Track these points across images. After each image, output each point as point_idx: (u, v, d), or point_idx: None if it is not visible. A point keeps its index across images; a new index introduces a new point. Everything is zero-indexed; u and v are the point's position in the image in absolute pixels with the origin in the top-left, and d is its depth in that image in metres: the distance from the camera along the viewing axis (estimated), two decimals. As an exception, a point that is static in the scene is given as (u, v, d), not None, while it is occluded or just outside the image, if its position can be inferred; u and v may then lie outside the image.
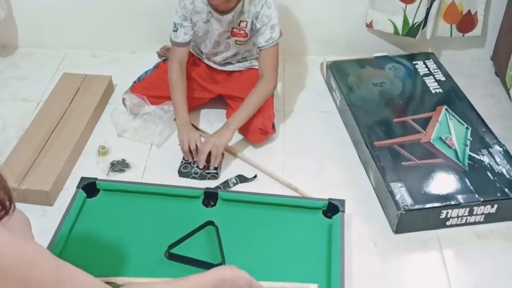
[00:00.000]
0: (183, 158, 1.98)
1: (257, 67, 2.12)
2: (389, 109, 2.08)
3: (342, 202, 1.73)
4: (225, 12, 1.94)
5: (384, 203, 1.81)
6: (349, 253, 1.65)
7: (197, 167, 1.94)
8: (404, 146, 1.91)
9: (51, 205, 1.85)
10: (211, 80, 2.19)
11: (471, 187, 1.74)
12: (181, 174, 1.95)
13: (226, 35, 2.03)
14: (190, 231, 1.64)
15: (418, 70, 2.27)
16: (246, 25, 1.98)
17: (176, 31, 2.04)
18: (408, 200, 1.71)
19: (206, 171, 1.94)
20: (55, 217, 1.73)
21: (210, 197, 1.77)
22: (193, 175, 1.94)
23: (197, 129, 2.14)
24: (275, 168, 1.99)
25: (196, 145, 1.93)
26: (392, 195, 1.73)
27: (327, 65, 2.34)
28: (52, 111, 2.15)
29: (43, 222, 1.78)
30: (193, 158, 1.94)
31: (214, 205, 1.76)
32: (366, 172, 1.96)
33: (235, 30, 2.01)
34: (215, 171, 1.94)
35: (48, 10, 2.53)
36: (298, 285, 1.49)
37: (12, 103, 2.33)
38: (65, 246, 1.61)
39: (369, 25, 2.38)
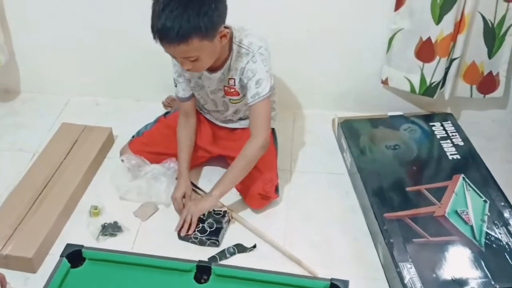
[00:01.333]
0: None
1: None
2: (402, 176, 1.94)
3: (346, 283, 1.56)
4: (213, 70, 1.83)
5: (392, 284, 1.66)
6: None
7: (198, 231, 1.83)
8: (417, 219, 1.75)
9: (34, 272, 1.74)
10: (212, 140, 2.07)
11: (487, 271, 1.58)
12: (180, 237, 1.83)
13: (220, 93, 1.92)
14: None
15: (435, 132, 2.12)
16: (235, 83, 1.87)
17: (176, 86, 1.95)
18: (418, 285, 1.55)
19: (206, 237, 1.82)
20: (37, 286, 1.61)
21: (203, 271, 1.63)
22: (193, 239, 1.83)
23: (196, 187, 2.02)
24: (277, 235, 1.85)
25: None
26: (401, 277, 1.57)
27: (338, 123, 2.21)
28: (46, 165, 2.05)
29: (25, 290, 1.68)
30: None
31: (207, 280, 1.62)
32: (375, 245, 1.80)
33: (226, 88, 1.89)
34: (216, 238, 1.82)
35: (51, 56, 2.46)
36: None
37: (9, 153, 2.24)
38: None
39: (385, 82, 2.25)
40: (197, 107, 2.08)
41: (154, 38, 1.62)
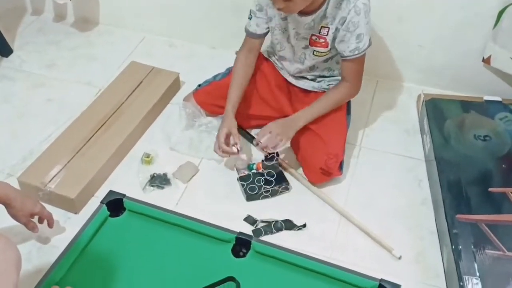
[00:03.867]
0: (241, 180, 1.75)
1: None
2: (487, 173, 1.68)
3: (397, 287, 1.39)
4: (304, 13, 1.63)
5: (452, 296, 1.45)
6: None
7: (265, 183, 1.73)
8: (495, 228, 1.51)
9: (76, 213, 1.69)
10: (284, 96, 1.89)
11: None
12: (250, 198, 1.72)
13: (303, 42, 1.72)
14: (207, 285, 1.39)
15: (536, 128, 1.82)
16: (328, 32, 1.67)
17: (250, 19, 1.79)
18: (482, 306, 1.34)
19: (276, 186, 1.73)
20: (77, 227, 1.57)
21: (242, 244, 1.51)
22: (264, 194, 1.73)
23: (246, 132, 1.92)
24: (330, 216, 1.69)
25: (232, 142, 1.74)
26: (464, 293, 1.37)
27: (423, 100, 1.96)
28: (107, 104, 1.98)
29: (64, 230, 1.64)
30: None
31: (246, 253, 1.50)
32: (440, 248, 1.59)
33: (314, 37, 1.69)
34: (286, 183, 1.74)
35: (132, -10, 2.36)
36: None
37: (76, 85, 2.20)
38: (73, 264, 1.46)
39: (486, 61, 1.95)
40: (269, 53, 1.91)
41: None
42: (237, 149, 1.70)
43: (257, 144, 1.72)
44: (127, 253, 1.50)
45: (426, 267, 1.55)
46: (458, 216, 1.54)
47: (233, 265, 1.47)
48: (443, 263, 1.55)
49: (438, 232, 1.62)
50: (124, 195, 1.62)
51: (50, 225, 1.57)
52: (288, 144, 1.80)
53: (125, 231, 1.56)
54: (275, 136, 1.68)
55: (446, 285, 1.49)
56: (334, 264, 1.46)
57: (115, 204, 1.60)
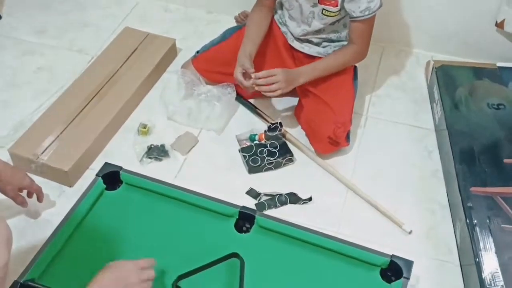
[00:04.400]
0: (242, 152, 1.66)
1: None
2: (501, 143, 1.60)
3: (409, 264, 1.32)
4: None
5: (466, 273, 1.39)
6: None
7: (268, 154, 1.65)
8: (511, 201, 1.44)
9: (70, 186, 1.61)
10: (287, 62, 1.79)
11: None
12: (252, 170, 1.64)
13: (312, 1, 1.62)
14: (209, 262, 1.32)
15: (554, 95, 1.73)
16: None
17: None
18: (499, 283, 1.27)
19: (279, 158, 1.64)
20: (71, 201, 1.48)
21: (245, 219, 1.43)
22: (267, 166, 1.65)
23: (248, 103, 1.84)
24: (337, 188, 1.62)
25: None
26: (479, 269, 1.30)
27: (433, 67, 1.87)
28: (100, 72, 1.88)
29: (57, 204, 1.56)
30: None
31: (249, 228, 1.42)
32: (453, 222, 1.52)
33: None
34: (290, 154, 1.67)
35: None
36: None
37: (68, 52, 2.09)
38: (69, 239, 1.38)
39: (499, 25, 1.85)
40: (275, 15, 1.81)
41: None
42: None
43: (254, 78, 1.60)
44: (125, 228, 1.42)
45: (438, 242, 1.48)
46: (472, 188, 1.47)
47: (236, 240, 1.39)
48: (456, 238, 1.48)
49: (450, 206, 1.55)
50: (120, 168, 1.53)
51: (39, 199, 1.49)
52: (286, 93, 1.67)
53: (122, 205, 1.48)
54: (274, 80, 1.58)
55: (460, 261, 1.43)
56: (342, 239, 1.39)
57: (112, 177, 1.51)
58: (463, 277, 1.39)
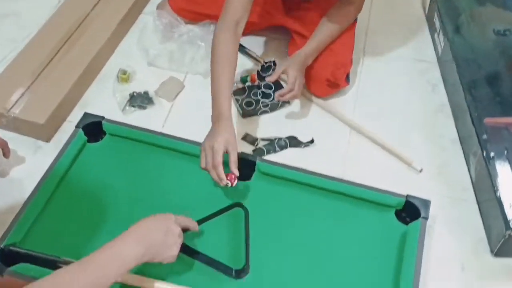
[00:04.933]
0: (235, 95, 1.53)
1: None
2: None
3: (426, 203, 1.23)
4: None
5: (485, 210, 1.30)
6: (425, 276, 1.18)
7: (262, 96, 1.52)
8: (528, 131, 1.35)
9: (47, 141, 1.46)
10: (277, 4, 1.64)
11: None
12: (246, 114, 1.51)
13: None
14: (210, 214, 1.20)
15: None
16: None
17: None
18: (522, 210, 1.19)
19: (276, 100, 1.50)
20: (49, 158, 1.34)
21: (245, 166, 1.31)
22: (263, 109, 1.52)
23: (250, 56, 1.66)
24: (338, 132, 1.50)
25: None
26: (500, 204, 1.21)
27: (432, -4, 1.74)
28: (70, 16, 1.69)
29: (34, 161, 1.41)
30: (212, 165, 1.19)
31: (250, 176, 1.30)
32: (465, 157, 1.42)
33: None
34: None
35: None
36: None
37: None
38: (52, 197, 1.24)
39: None
40: None
41: None
42: (231, 182, 1.19)
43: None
44: (113, 182, 1.29)
45: (450, 179, 1.39)
46: (487, 120, 1.37)
47: (237, 189, 1.27)
48: (470, 174, 1.39)
49: (461, 141, 1.46)
50: (102, 117, 1.38)
51: (5, 155, 1.34)
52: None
53: (107, 158, 1.34)
54: (296, 84, 1.42)
55: (476, 197, 1.34)
56: (350, 181, 1.28)
57: (93, 128, 1.37)
58: (481, 214, 1.31)
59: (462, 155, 1.43)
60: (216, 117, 1.23)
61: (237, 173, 1.18)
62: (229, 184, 1.18)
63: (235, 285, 1.11)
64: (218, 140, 1.17)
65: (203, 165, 1.19)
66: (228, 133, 1.19)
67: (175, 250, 1.02)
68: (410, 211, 1.22)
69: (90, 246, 1.10)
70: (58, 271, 0.88)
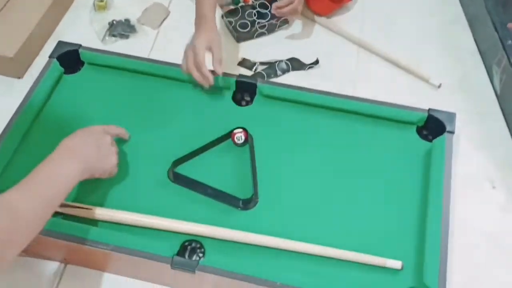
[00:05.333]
0: (227, 17, 1.38)
1: None
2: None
3: (451, 116, 1.09)
4: None
5: (512, 122, 1.18)
6: (454, 197, 1.05)
7: (258, 17, 1.36)
8: (557, 33, 1.21)
9: (19, 78, 1.30)
10: None
11: None
12: (241, 38, 1.36)
13: None
14: (209, 142, 1.06)
15: None
16: None
17: None
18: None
19: (274, 18, 1.35)
20: (23, 95, 1.17)
21: (245, 89, 1.16)
22: (259, 31, 1.36)
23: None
24: (344, 52, 1.35)
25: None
26: (533, 113, 1.08)
27: None
28: None
29: (5, 100, 1.23)
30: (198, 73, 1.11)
31: (250, 102, 1.16)
32: (487, 70, 1.29)
33: None
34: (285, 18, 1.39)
35: None
36: (376, 260, 0.93)
37: None
38: (26, 135, 1.08)
39: None
40: None
41: None
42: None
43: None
44: (96, 115, 1.11)
45: (472, 94, 1.26)
46: (510, 24, 1.23)
47: (237, 115, 1.13)
48: (493, 86, 1.25)
49: (481, 53, 1.32)
50: (79, 45, 1.22)
51: None
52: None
53: (87, 90, 1.18)
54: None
55: (502, 110, 1.21)
56: (364, 98, 1.14)
57: (69, 58, 1.20)
58: (508, 127, 1.18)
59: (483, 68, 1.29)
60: (199, 20, 1.16)
61: (220, 72, 1.09)
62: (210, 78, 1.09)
63: (244, 216, 0.98)
64: (200, 39, 1.10)
65: (184, 68, 1.10)
66: (210, 31, 1.12)
67: (113, 159, 0.97)
68: (433, 127, 1.09)
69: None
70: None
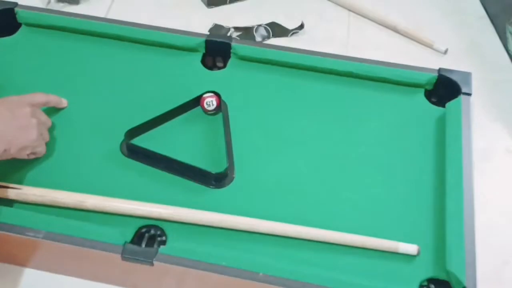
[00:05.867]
0: None
1: None
2: None
3: (466, 76, 0.91)
4: None
5: (534, 87, 1.00)
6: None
7: None
8: None
9: None
10: None
11: None
12: (212, 1, 1.16)
13: None
14: (173, 108, 0.86)
15: None
16: None
17: None
18: None
19: None
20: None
21: (216, 52, 0.96)
22: None
23: None
24: (335, 11, 1.17)
25: None
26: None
27: None
28: None
29: None
30: None
31: (224, 66, 0.96)
32: (498, 33, 1.12)
33: None
34: None
35: None
36: (385, 244, 0.73)
37: None
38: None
39: None
40: None
41: None
42: None
43: None
44: (34, 85, 0.91)
45: (483, 59, 1.08)
46: (525, -21, 1.06)
47: (207, 80, 0.93)
48: (507, 50, 1.08)
49: (491, 17, 1.15)
50: (15, 4, 1.01)
51: None
52: None
53: (26, 55, 0.96)
54: None
55: (518, 75, 1.04)
56: (361, 58, 0.95)
57: (3, 18, 0.99)
58: (526, 94, 1.01)
59: (494, 32, 1.12)
60: None
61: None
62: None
63: (217, 196, 0.78)
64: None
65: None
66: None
67: (33, 133, 0.77)
68: (444, 89, 0.90)
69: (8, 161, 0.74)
70: None
